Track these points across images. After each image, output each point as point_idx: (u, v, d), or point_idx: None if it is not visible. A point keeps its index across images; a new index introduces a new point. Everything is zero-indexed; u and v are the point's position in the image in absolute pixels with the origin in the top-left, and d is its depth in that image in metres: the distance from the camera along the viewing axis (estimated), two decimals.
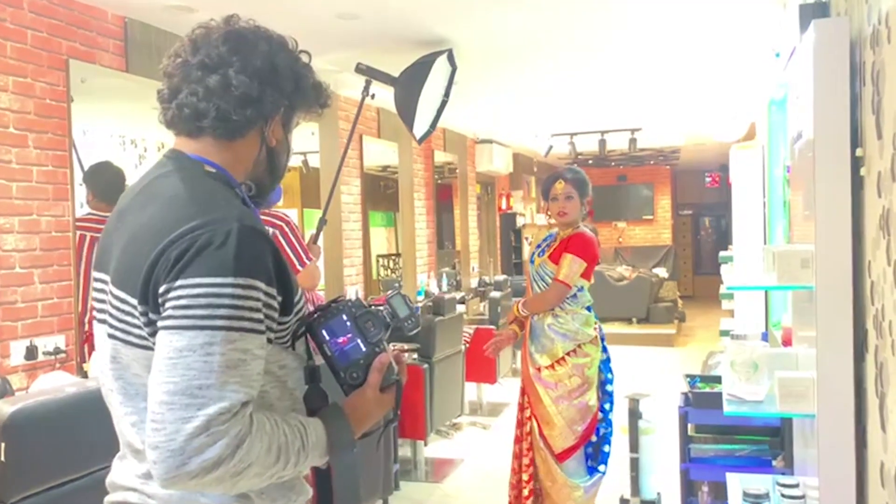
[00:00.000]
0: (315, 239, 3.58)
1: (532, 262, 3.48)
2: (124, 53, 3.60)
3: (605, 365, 3.40)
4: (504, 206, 10.23)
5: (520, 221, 10.58)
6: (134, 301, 1.11)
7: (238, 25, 1.27)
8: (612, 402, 3.41)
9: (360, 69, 3.63)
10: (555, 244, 3.39)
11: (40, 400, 2.18)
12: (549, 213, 3.45)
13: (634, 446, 3.42)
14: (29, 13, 3.09)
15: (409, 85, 3.67)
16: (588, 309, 3.38)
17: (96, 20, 3.44)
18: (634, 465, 3.42)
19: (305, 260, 3.09)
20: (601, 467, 3.34)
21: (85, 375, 3.12)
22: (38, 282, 3.11)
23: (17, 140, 3.04)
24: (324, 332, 1.25)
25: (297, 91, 1.28)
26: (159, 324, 1.08)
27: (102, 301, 1.21)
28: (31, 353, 3.04)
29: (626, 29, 4.19)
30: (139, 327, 1.12)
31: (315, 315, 1.26)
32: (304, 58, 1.30)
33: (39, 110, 3.13)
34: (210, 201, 1.16)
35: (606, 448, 3.37)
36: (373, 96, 3.68)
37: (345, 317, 1.27)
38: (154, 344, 1.09)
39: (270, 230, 3.39)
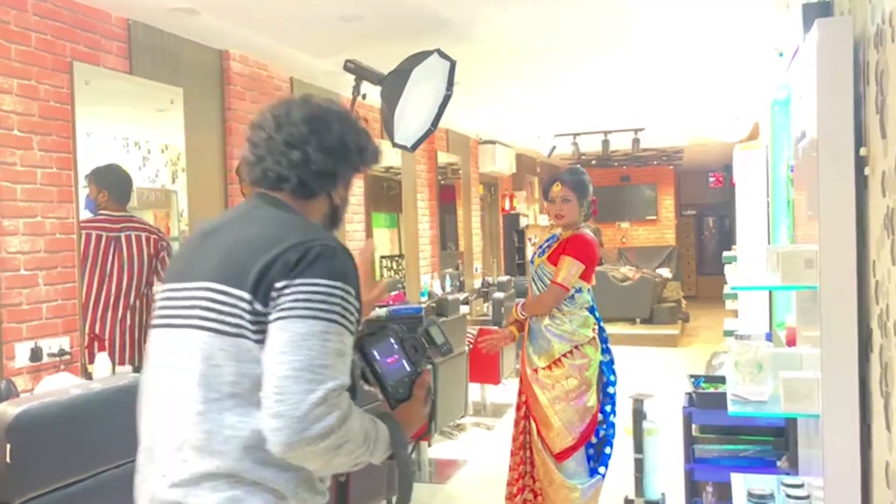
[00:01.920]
0: None
1: (532, 262, 3.51)
2: (128, 55, 3.60)
3: (609, 367, 3.38)
4: (507, 207, 10.23)
5: (523, 222, 10.57)
6: (242, 293, 1.29)
7: (314, 104, 1.50)
8: (613, 404, 3.39)
9: (347, 67, 3.60)
10: (555, 245, 3.41)
11: (45, 402, 2.19)
12: (549, 214, 3.48)
13: (638, 447, 3.41)
14: (33, 16, 3.10)
15: (390, 91, 3.62)
16: (591, 310, 3.38)
17: (100, 22, 3.45)
18: (639, 465, 3.41)
19: None
20: (601, 469, 3.33)
21: (89, 377, 3.13)
22: (43, 284, 3.12)
23: (22, 142, 3.04)
24: (374, 352, 1.44)
25: (361, 161, 1.53)
26: (276, 314, 1.27)
27: (180, 306, 1.37)
28: (35, 354, 3.05)
29: (630, 29, 4.19)
30: (239, 317, 1.29)
31: (366, 336, 1.45)
32: (362, 125, 1.55)
33: (43, 112, 3.14)
34: (312, 226, 1.43)
35: (608, 450, 3.36)
36: (364, 96, 3.66)
37: (392, 340, 1.48)
38: (252, 333, 1.28)
39: None
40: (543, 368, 3.30)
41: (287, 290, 1.27)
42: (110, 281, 3.49)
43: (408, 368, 1.47)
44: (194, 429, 1.28)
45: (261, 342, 1.27)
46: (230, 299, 1.29)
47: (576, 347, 3.28)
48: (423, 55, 3.54)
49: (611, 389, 3.38)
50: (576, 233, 3.36)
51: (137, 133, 3.68)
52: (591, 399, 3.28)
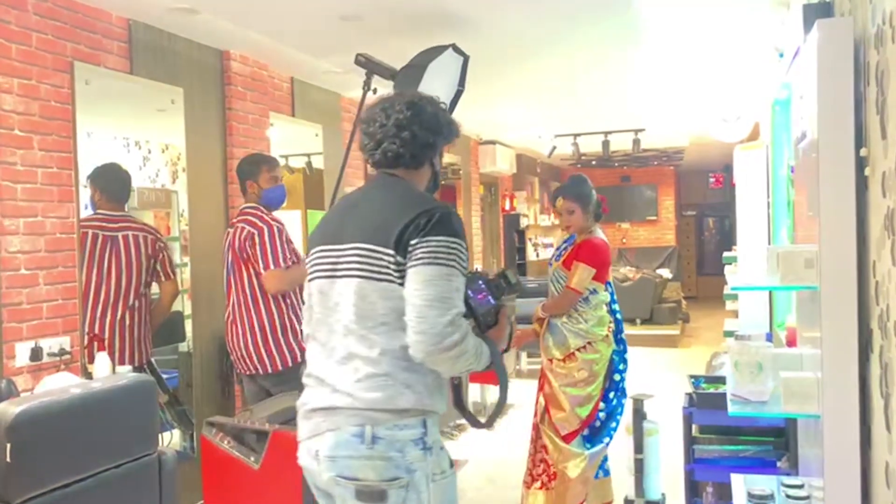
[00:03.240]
0: None
1: (550, 265, 3.81)
2: (129, 55, 3.60)
3: (620, 356, 3.66)
4: (508, 207, 10.22)
5: (523, 222, 10.56)
6: (388, 250, 1.76)
7: (408, 94, 1.98)
8: (617, 391, 3.63)
9: (358, 61, 3.57)
10: (570, 249, 3.68)
11: (45, 401, 2.19)
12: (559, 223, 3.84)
13: (639, 447, 3.42)
14: (34, 15, 3.10)
15: (403, 87, 3.59)
16: (610, 305, 3.64)
17: (101, 22, 3.45)
18: (639, 465, 3.41)
19: (271, 264, 3.40)
20: (605, 439, 3.62)
21: (89, 377, 3.13)
22: (43, 283, 3.12)
23: (22, 142, 3.04)
24: (469, 292, 1.87)
25: (449, 133, 2.00)
26: (412, 263, 1.74)
27: (337, 262, 1.85)
28: (35, 354, 3.05)
29: (630, 29, 4.19)
30: (386, 267, 1.77)
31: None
32: (444, 105, 2.03)
33: (44, 112, 3.14)
34: (428, 197, 1.93)
35: (613, 424, 3.63)
36: (374, 91, 3.64)
37: (481, 282, 1.95)
38: (396, 278, 1.75)
39: (254, 230, 3.45)
40: (559, 360, 3.59)
41: (419, 245, 1.74)
42: (109, 280, 3.49)
43: (493, 302, 1.94)
44: (360, 347, 1.78)
45: (402, 284, 1.75)
46: (378, 255, 1.77)
47: (589, 343, 3.58)
48: (438, 50, 3.53)
49: (617, 377, 3.64)
50: (587, 238, 3.67)
51: (138, 133, 3.69)
52: (596, 389, 3.56)
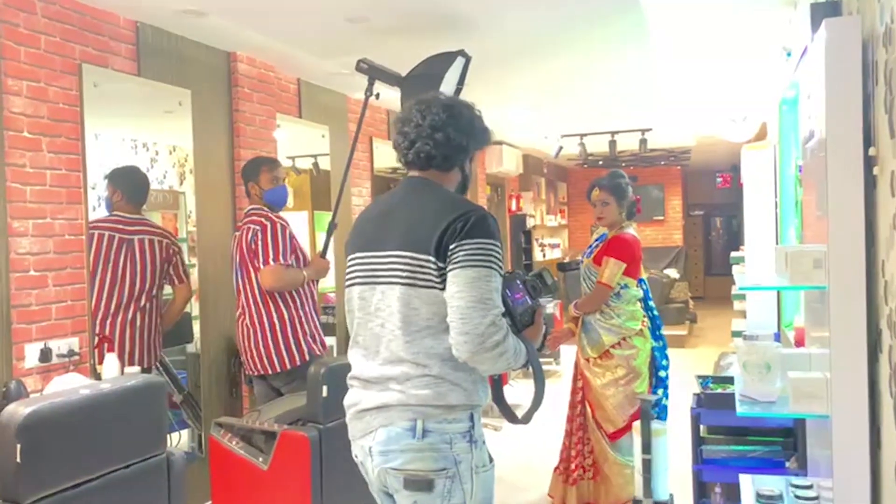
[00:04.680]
0: (323, 253, 3.64)
1: (581, 261, 3.87)
2: (136, 58, 3.62)
3: (661, 352, 3.68)
4: (514, 208, 10.21)
5: (530, 223, 10.56)
6: (429, 257, 1.80)
7: (445, 97, 2.00)
8: (665, 388, 3.66)
9: (360, 68, 3.54)
10: (601, 246, 3.72)
11: (55, 402, 2.20)
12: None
13: (647, 448, 3.41)
14: (42, 18, 3.12)
15: (418, 92, 3.55)
16: (644, 300, 3.67)
17: (109, 25, 3.46)
18: (647, 466, 3.39)
19: (271, 260, 3.43)
20: None
21: (98, 378, 3.14)
22: (52, 285, 3.13)
23: (31, 144, 3.06)
24: (507, 291, 1.90)
25: (483, 139, 2.03)
26: (452, 266, 1.78)
27: (378, 269, 1.89)
28: (45, 355, 3.07)
29: (637, 29, 4.18)
30: (429, 273, 1.81)
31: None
32: (479, 111, 2.04)
33: (53, 114, 3.16)
34: (466, 200, 1.94)
35: None
36: (377, 96, 3.64)
37: (518, 281, 1.99)
38: (438, 284, 1.80)
39: (258, 227, 3.46)
40: (595, 358, 3.64)
41: (458, 249, 1.78)
42: (122, 283, 3.51)
43: (529, 302, 1.98)
44: (407, 351, 1.83)
45: (443, 289, 1.79)
46: (419, 262, 1.81)
47: (623, 339, 3.61)
48: (449, 57, 3.52)
49: (662, 373, 3.67)
50: (617, 234, 3.70)
51: (145, 134, 3.70)
52: (642, 385, 3.59)
